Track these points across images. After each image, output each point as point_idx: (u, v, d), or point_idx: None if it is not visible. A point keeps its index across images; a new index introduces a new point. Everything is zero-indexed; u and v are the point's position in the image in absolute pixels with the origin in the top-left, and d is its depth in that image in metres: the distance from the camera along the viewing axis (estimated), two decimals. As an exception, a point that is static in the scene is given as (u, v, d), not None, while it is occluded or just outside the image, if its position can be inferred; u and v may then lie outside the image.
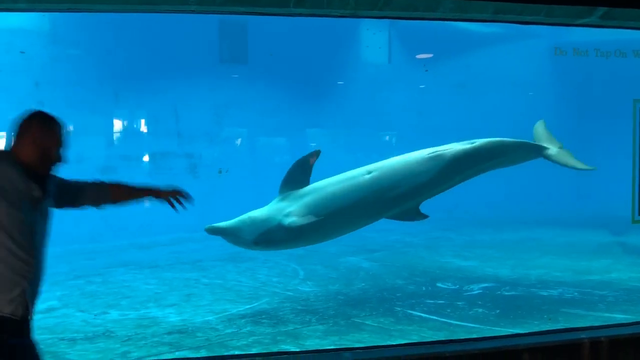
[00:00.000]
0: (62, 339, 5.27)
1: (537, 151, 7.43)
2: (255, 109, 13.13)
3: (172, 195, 2.78)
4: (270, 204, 6.78)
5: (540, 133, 7.69)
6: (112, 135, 12.50)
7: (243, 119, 13.43)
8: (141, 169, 12.94)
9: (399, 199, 6.70)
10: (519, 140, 7.34)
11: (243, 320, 5.85)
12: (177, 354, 4.89)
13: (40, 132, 2.47)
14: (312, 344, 5.12)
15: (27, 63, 10.49)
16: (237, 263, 8.87)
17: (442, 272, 8.13)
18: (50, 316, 6.10)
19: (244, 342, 5.17)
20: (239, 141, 14.27)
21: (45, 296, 7.09)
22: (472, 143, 7.04)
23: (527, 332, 4.31)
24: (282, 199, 6.73)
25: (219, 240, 11.14)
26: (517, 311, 6.07)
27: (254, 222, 6.58)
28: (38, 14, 10.33)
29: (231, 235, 6.70)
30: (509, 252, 9.82)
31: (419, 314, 6.00)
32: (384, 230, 11.97)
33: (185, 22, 11.75)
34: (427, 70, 14.48)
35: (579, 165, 7.33)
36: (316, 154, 6.84)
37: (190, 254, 10.05)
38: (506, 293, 6.97)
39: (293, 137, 14.79)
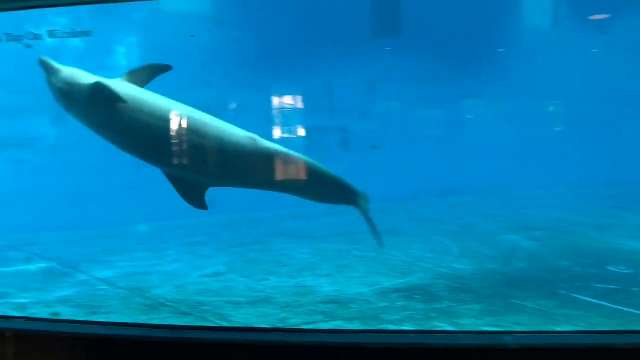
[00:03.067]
0: (228, 302, 5.68)
1: None
2: (409, 81, 12.91)
3: None
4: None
5: None
6: (271, 112, 13.08)
7: (396, 92, 13.29)
8: (296, 143, 13.43)
9: None
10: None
11: (396, 295, 5.84)
12: (332, 324, 5.02)
13: None
14: (467, 323, 4.97)
15: (194, 46, 11.30)
16: (389, 237, 8.87)
17: (614, 254, 7.41)
18: (218, 280, 6.60)
19: (397, 317, 5.16)
20: (392, 115, 14.16)
21: (213, 261, 7.76)
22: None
23: None
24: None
25: (371, 214, 11.29)
26: None
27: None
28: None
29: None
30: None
31: (586, 298, 5.54)
32: (545, 207, 11.25)
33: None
34: (604, 33, 13.10)
35: None
36: None
37: (343, 225, 10.25)
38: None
39: (449, 109, 14.33)
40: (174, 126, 5.28)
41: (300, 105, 13.51)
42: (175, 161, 5.36)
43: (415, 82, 12.90)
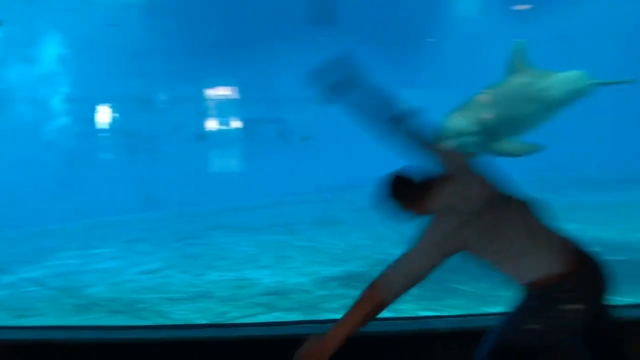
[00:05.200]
0: (166, 299, 5.57)
1: None
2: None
3: None
4: None
5: None
6: (206, 103, 12.88)
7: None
8: (233, 135, 13.30)
9: None
10: None
11: (335, 283, 5.90)
12: (272, 315, 5.02)
13: None
14: (404, 308, 5.05)
15: (126, 36, 10.97)
16: (329, 226, 8.95)
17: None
18: (155, 277, 6.47)
19: (336, 305, 5.21)
20: (330, 105, 14.22)
21: (150, 257, 7.57)
22: None
23: (633, 302, 4.02)
24: None
25: (310, 204, 11.34)
26: (624, 279, 5.67)
27: None
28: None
29: None
30: (617, 215, 9.20)
31: (516, 279, 5.77)
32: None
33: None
34: (525, 23, 13.60)
35: None
36: None
37: (283, 217, 10.26)
38: (611, 258, 6.53)
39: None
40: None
41: (237, 96, 13.37)
42: None
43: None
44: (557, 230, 2.35)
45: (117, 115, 11.79)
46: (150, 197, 11.29)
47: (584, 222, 8.54)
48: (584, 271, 2.29)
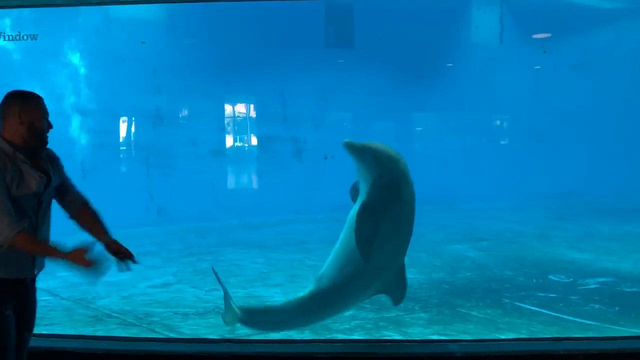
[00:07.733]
0: (176, 313, 5.58)
1: None
2: (361, 93, 13.09)
3: (123, 255, 2.66)
4: None
5: None
6: (223, 120, 13.00)
7: (349, 103, 13.44)
8: (249, 152, 13.38)
9: None
10: None
11: (345, 304, 5.87)
12: (283, 334, 5.00)
13: (21, 108, 2.54)
14: (415, 332, 5.04)
15: (146, 52, 11.15)
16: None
17: (555, 264, 7.69)
18: (166, 291, 6.49)
19: (347, 326, 5.19)
20: (344, 125, 14.32)
21: (161, 271, 7.55)
22: None
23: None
24: None
25: (323, 223, 11.33)
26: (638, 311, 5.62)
27: None
28: (156, 5, 10.94)
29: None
30: (632, 245, 9.10)
31: (528, 307, 5.73)
32: (491, 218, 11.56)
33: (292, 7, 11.93)
34: (545, 52, 13.64)
35: None
36: None
37: (295, 235, 10.25)
38: (627, 289, 6.47)
39: (399, 121, 14.59)
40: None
41: (254, 113, 13.49)
42: None
43: (366, 93, 13.09)
44: None
45: (134, 128, 11.94)
46: (162, 211, 11.35)
47: (599, 252, 8.48)
48: None
